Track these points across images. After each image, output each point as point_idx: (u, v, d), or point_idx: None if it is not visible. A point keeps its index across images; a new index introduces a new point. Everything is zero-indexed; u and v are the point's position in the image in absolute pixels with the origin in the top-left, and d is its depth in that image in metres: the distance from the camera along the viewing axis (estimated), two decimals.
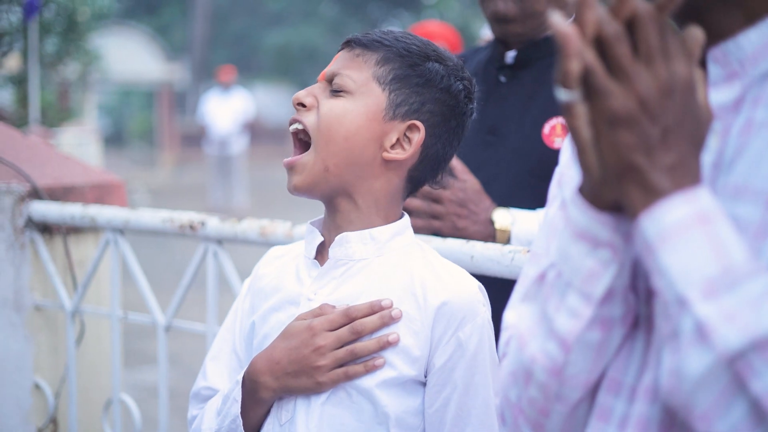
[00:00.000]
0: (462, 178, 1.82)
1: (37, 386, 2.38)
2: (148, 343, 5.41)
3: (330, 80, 1.39)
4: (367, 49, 1.38)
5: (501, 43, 1.97)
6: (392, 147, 1.36)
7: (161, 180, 17.88)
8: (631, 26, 0.83)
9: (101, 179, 2.52)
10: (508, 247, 1.61)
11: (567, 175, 1.05)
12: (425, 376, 1.34)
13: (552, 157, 1.86)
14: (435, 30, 4.75)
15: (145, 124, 24.25)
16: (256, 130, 18.16)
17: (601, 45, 0.83)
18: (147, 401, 4.14)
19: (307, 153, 1.37)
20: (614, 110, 0.82)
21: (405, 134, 1.37)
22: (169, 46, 25.37)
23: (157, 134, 22.71)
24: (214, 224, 2.02)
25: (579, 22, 0.83)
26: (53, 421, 2.41)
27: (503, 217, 1.83)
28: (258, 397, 1.36)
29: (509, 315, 1.06)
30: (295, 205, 13.69)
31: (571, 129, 0.85)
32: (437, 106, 1.38)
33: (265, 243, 1.94)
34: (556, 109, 1.90)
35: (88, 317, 2.40)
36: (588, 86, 0.83)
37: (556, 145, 1.87)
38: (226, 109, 13.52)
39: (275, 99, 26.16)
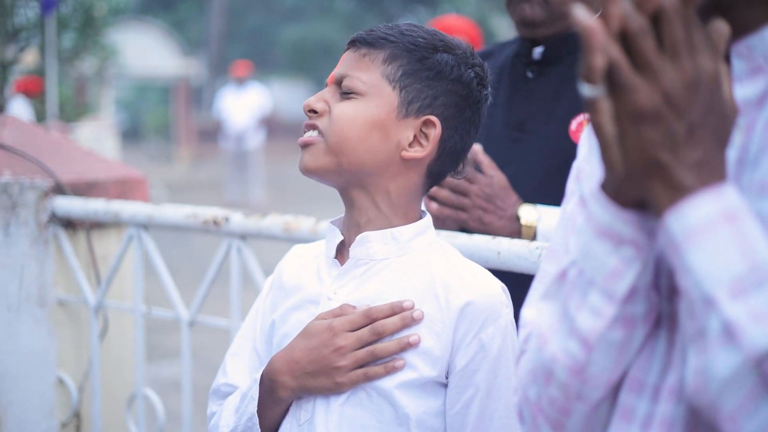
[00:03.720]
0: (489, 173, 1.81)
1: (60, 381, 2.39)
2: (167, 337, 5.43)
3: (339, 83, 1.37)
4: (373, 48, 1.36)
5: (528, 38, 1.96)
6: (410, 145, 1.35)
7: (178, 175, 17.94)
8: (656, 20, 0.82)
9: (123, 174, 2.53)
10: (534, 244, 1.60)
11: (585, 170, 1.04)
12: (446, 378, 1.32)
13: None
14: (455, 24, 4.73)
15: (161, 120, 24.32)
16: (273, 126, 18.18)
17: (625, 40, 0.82)
18: (167, 395, 4.14)
19: (321, 138, 1.35)
20: (639, 106, 0.81)
21: (421, 130, 1.35)
22: (186, 42, 25.43)
23: (174, 129, 22.77)
24: (238, 220, 2.02)
25: (603, 16, 0.82)
26: (77, 415, 2.42)
27: (529, 213, 1.82)
28: (276, 396, 1.36)
29: (528, 312, 1.05)
30: (312, 201, 13.70)
31: (595, 125, 0.84)
32: (450, 97, 1.36)
33: (289, 239, 1.94)
34: (583, 105, 1.88)
35: (111, 312, 2.40)
36: (612, 81, 0.82)
37: None
38: (242, 105, 13.53)
39: (291, 94, 26.19)
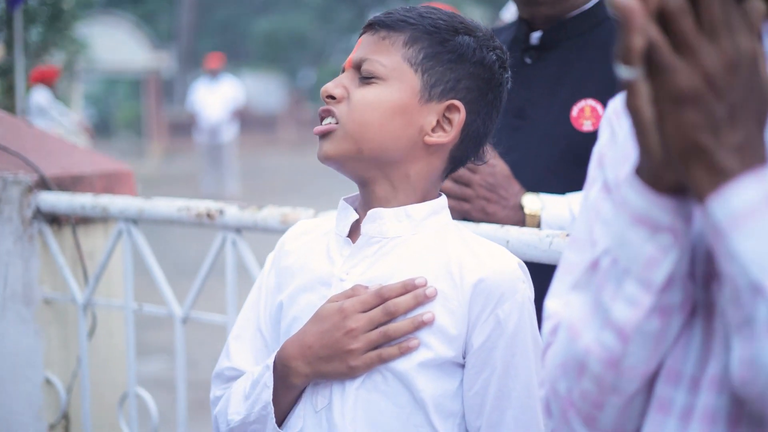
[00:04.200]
0: (491, 162, 1.78)
1: (48, 381, 2.33)
2: (149, 333, 5.35)
3: (357, 67, 1.33)
4: (393, 31, 1.33)
5: (525, 23, 1.92)
6: (433, 130, 1.31)
7: (150, 170, 17.77)
8: (693, 0, 0.79)
9: (110, 168, 2.47)
10: (545, 232, 1.57)
11: (608, 156, 1.02)
12: (463, 358, 1.29)
13: (581, 141, 1.82)
14: None
15: (132, 114, 24.10)
16: (245, 118, 18.07)
17: (662, 20, 0.79)
18: (152, 393, 4.09)
19: (339, 126, 1.32)
20: (680, 88, 0.79)
21: (444, 115, 1.32)
22: (156, 35, 25.21)
23: (145, 124, 22.57)
24: (233, 212, 1.97)
25: None
26: (65, 416, 2.36)
27: (532, 202, 1.79)
28: (289, 382, 1.32)
29: (552, 303, 1.02)
30: (287, 193, 13.66)
31: (632, 108, 0.82)
32: (473, 80, 1.33)
33: None
34: (584, 91, 1.86)
35: (97, 310, 2.34)
36: (651, 63, 0.80)
37: (584, 128, 1.83)
38: (215, 97, 13.50)
39: (263, 87, 26.04)
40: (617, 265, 0.89)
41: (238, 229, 1.99)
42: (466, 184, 1.77)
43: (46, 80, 11.24)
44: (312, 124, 23.91)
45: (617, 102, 1.06)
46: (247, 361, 1.41)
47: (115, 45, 21.05)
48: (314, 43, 26.73)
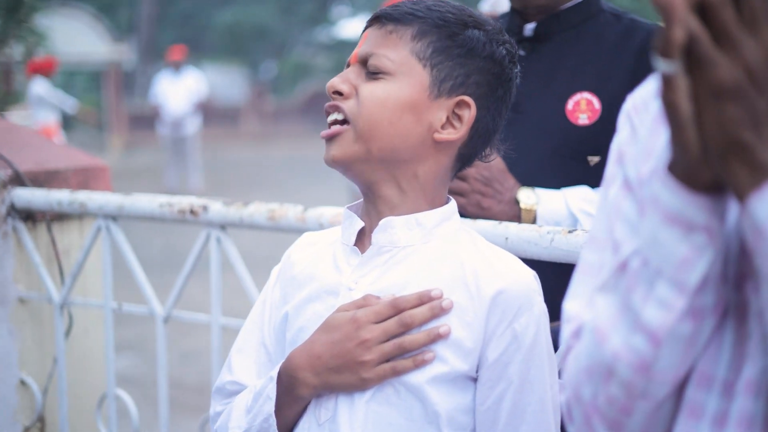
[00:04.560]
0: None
1: (23, 383, 2.25)
2: (117, 330, 5.26)
3: (364, 62, 1.28)
4: (400, 24, 1.28)
5: (518, 14, 1.89)
6: (442, 127, 1.27)
7: (112, 163, 17.43)
8: None
9: (85, 163, 2.39)
10: (545, 228, 1.54)
11: (629, 153, 0.99)
12: (477, 371, 1.25)
13: (576, 134, 1.80)
14: None
15: (92, 107, 23.77)
16: (207, 111, 17.92)
17: (702, 12, 0.77)
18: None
19: (348, 127, 1.27)
20: (721, 81, 0.76)
21: (454, 111, 1.28)
22: (115, 27, 24.89)
23: (106, 117, 22.28)
24: (217, 208, 1.91)
25: None
26: (41, 419, 2.29)
27: (528, 197, 1.76)
28: (296, 394, 1.27)
29: (572, 306, 0.99)
30: (251, 187, 13.55)
31: (670, 103, 0.79)
32: (483, 76, 1.29)
33: (275, 227, 1.84)
34: (579, 84, 1.83)
35: (73, 309, 2.27)
36: (691, 56, 0.77)
37: (580, 122, 1.80)
38: (178, 90, 13.37)
39: (225, 79, 25.80)
40: (648, 266, 0.86)
41: (223, 226, 1.94)
42: (461, 177, 1.74)
43: (44, 71, 11.18)
44: (274, 116, 23.79)
45: (636, 96, 1.03)
46: (250, 375, 1.36)
47: (75, 37, 20.76)
48: (276, 35, 26.56)
